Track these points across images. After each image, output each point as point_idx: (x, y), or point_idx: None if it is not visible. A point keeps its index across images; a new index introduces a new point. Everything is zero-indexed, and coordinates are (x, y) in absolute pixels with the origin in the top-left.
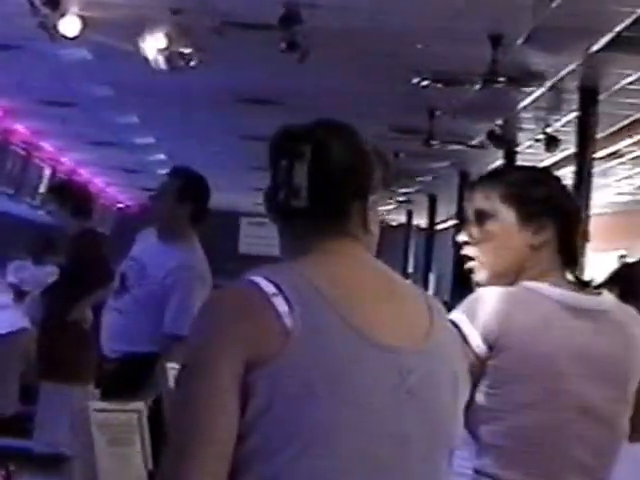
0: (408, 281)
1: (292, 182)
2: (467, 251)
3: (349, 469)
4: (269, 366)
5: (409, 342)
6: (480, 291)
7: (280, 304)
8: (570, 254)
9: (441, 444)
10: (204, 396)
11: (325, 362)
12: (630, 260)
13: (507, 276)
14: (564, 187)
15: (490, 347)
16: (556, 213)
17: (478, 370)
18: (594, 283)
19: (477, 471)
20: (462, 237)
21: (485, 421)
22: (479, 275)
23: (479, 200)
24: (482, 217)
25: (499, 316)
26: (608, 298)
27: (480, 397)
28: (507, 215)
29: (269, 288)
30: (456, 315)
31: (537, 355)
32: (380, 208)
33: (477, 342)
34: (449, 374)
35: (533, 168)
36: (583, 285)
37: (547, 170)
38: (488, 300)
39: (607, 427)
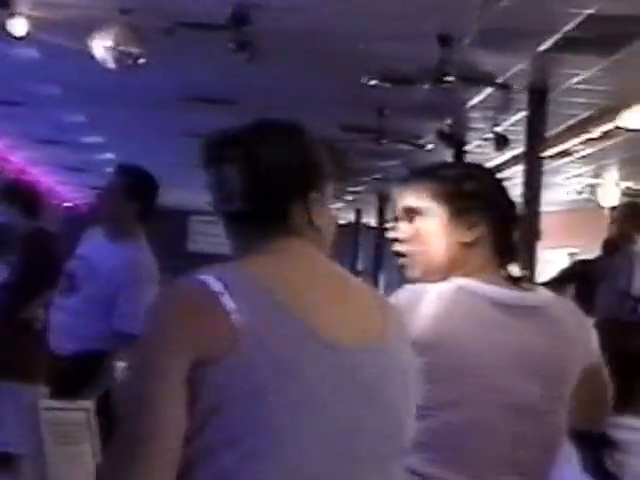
0: (359, 279)
1: (225, 187)
2: (399, 248)
3: (303, 464)
4: (218, 365)
5: (360, 340)
6: (415, 288)
7: (228, 302)
8: (505, 250)
9: (395, 441)
10: (152, 395)
11: (275, 360)
12: (583, 257)
13: (438, 273)
14: (498, 182)
15: (422, 345)
16: (489, 209)
17: None
18: (546, 279)
19: (406, 469)
20: (393, 234)
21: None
22: (411, 271)
23: (409, 197)
24: (413, 214)
25: (432, 314)
26: (543, 294)
27: None
28: (438, 212)
29: (217, 287)
30: None
31: (466, 353)
32: (332, 205)
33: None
34: (401, 372)
35: (465, 164)
36: (518, 281)
37: (480, 166)
38: (424, 298)
39: (541, 424)
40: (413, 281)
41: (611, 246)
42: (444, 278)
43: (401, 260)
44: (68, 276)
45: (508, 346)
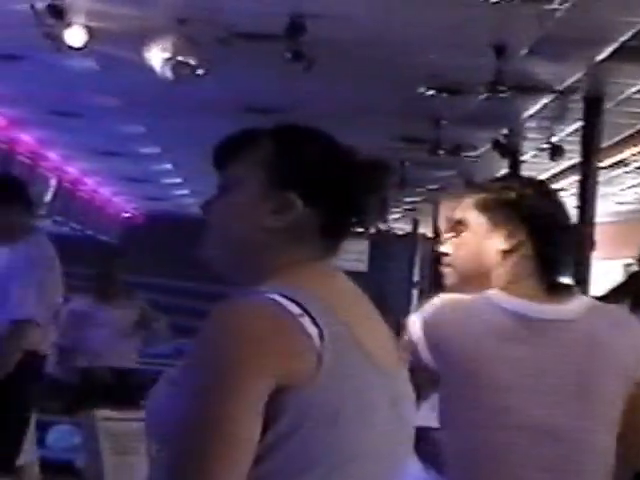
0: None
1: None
2: (444, 258)
3: None
4: (298, 390)
5: (392, 364)
6: (439, 298)
7: (308, 325)
8: (547, 261)
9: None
10: (227, 419)
11: (350, 388)
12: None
13: (476, 282)
14: (547, 195)
15: (434, 358)
16: (528, 218)
17: (428, 381)
18: (603, 292)
19: None
20: (442, 248)
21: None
22: (449, 280)
23: (453, 209)
24: (456, 225)
25: (448, 326)
26: (577, 307)
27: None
28: (478, 221)
29: (293, 308)
30: (412, 319)
31: (481, 371)
32: None
33: (424, 352)
34: (412, 396)
35: (510, 176)
36: (561, 292)
37: (529, 178)
38: (442, 308)
39: (566, 444)
40: (451, 290)
41: None
42: (483, 288)
43: (444, 269)
44: None
45: (526, 363)
